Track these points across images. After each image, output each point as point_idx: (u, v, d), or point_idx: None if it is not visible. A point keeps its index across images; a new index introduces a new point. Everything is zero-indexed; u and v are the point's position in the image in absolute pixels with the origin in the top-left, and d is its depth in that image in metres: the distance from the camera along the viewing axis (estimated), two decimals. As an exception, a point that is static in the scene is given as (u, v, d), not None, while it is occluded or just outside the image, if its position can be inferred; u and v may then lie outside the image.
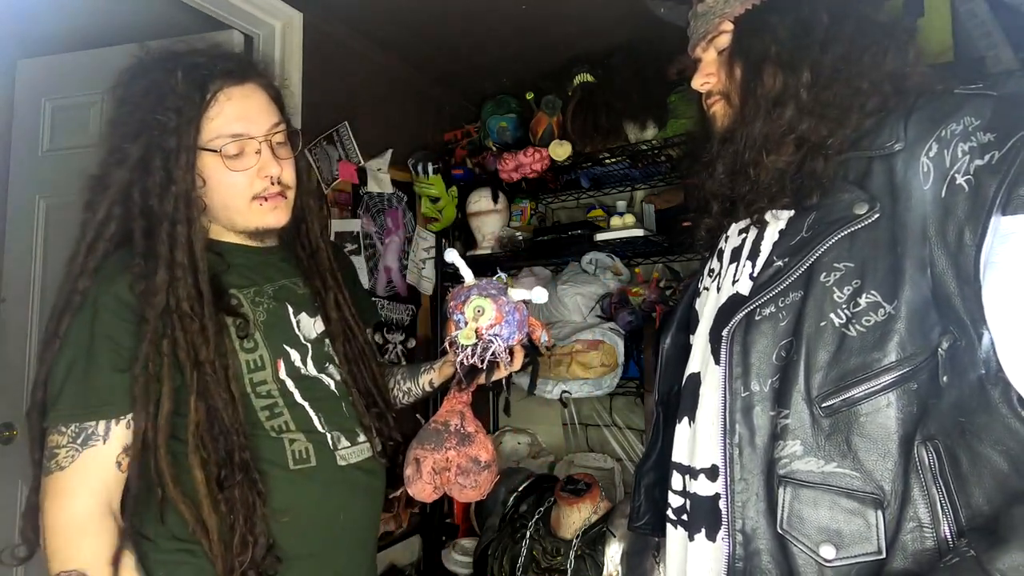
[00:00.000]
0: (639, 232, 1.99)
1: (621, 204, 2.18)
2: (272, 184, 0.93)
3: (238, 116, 0.90)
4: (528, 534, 1.67)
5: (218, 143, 0.89)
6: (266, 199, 0.94)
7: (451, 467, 0.92)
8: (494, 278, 0.97)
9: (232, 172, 0.90)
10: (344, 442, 0.97)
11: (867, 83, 0.74)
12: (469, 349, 0.92)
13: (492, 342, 0.89)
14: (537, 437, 2.45)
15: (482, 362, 0.91)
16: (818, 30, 0.76)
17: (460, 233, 2.47)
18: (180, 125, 0.86)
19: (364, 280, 2.06)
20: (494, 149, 2.27)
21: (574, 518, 1.63)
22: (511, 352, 0.95)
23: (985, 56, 1.32)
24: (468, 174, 2.32)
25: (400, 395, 1.20)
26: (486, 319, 0.87)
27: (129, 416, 0.83)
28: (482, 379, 0.95)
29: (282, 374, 0.93)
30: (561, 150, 2.07)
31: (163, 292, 0.83)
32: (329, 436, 0.95)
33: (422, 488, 0.93)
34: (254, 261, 0.99)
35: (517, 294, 0.92)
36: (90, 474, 0.81)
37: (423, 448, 0.93)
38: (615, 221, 2.06)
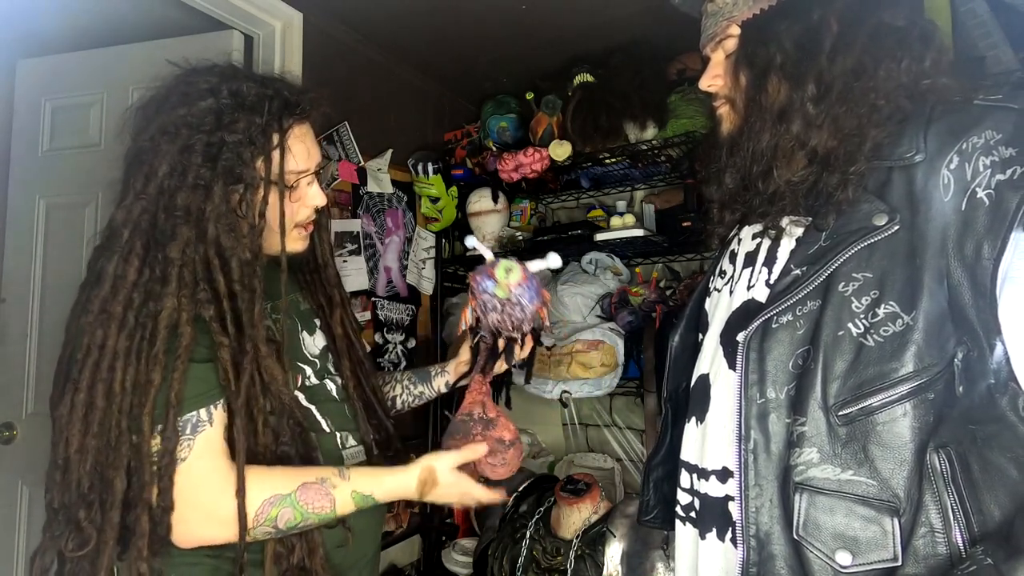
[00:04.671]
0: (639, 232, 1.99)
1: (621, 204, 2.18)
2: (314, 213, 0.95)
3: (304, 154, 0.92)
4: (528, 534, 1.67)
5: (289, 179, 0.90)
6: (305, 227, 0.96)
7: None
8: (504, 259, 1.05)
9: (290, 204, 0.91)
10: (351, 441, 0.99)
11: (883, 99, 0.72)
12: (491, 328, 1.03)
13: (522, 298, 0.97)
14: (537, 437, 2.45)
15: (500, 335, 1.01)
16: (826, 39, 0.74)
17: (460, 233, 2.46)
18: (256, 158, 0.86)
19: (364, 280, 2.07)
20: (494, 149, 2.27)
21: (574, 518, 1.62)
22: (522, 336, 1.04)
23: (985, 56, 1.32)
24: (468, 174, 2.32)
25: (411, 399, 1.23)
26: (514, 277, 0.96)
27: (222, 400, 0.83)
28: (501, 365, 1.04)
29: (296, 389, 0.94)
30: (561, 150, 2.07)
31: (250, 366, 0.82)
32: (337, 436, 0.97)
33: None
34: (269, 278, 0.99)
35: (534, 265, 1.00)
36: (208, 454, 0.81)
37: (453, 440, 0.98)
38: (615, 221, 2.06)
